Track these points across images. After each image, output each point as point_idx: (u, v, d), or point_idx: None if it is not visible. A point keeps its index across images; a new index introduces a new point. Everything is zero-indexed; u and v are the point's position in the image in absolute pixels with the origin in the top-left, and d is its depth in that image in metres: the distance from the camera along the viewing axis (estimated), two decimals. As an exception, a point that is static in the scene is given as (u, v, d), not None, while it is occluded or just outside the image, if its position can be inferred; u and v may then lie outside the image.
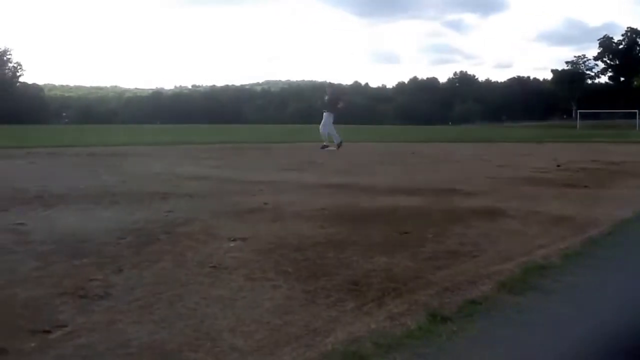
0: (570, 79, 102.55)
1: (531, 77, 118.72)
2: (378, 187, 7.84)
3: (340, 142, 16.93)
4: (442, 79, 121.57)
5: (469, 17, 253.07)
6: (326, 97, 17.71)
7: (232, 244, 4.22)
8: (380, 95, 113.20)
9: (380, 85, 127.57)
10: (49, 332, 2.48)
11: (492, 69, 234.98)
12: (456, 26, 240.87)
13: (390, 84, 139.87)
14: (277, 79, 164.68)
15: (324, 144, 16.96)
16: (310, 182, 8.49)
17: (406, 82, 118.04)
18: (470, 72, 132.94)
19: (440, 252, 4.08)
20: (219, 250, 4.04)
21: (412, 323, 2.66)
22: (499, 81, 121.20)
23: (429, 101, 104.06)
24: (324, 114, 17.28)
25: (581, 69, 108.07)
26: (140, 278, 3.33)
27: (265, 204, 6.15)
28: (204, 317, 2.68)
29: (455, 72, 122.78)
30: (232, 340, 2.42)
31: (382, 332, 2.54)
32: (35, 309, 2.78)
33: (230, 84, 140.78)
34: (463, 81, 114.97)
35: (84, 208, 5.84)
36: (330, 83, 20.91)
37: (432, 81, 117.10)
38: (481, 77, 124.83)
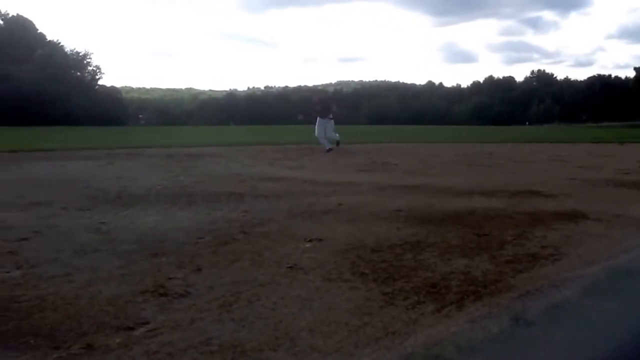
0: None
1: (613, 76, 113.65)
2: (454, 189, 7.67)
3: (334, 146, 16.78)
4: (519, 78, 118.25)
5: (547, 14, 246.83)
6: (318, 108, 17.23)
7: (308, 245, 4.23)
8: (455, 95, 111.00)
9: (455, 84, 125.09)
10: (132, 328, 2.54)
11: (572, 68, 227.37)
12: (534, 24, 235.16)
13: (465, 83, 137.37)
14: (350, 80, 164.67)
15: (336, 145, 16.87)
16: (385, 183, 8.41)
17: (482, 81, 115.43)
18: (548, 70, 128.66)
19: (520, 255, 3.95)
20: (295, 250, 4.05)
21: (494, 327, 2.57)
22: (579, 80, 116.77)
23: (506, 101, 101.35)
24: (323, 120, 16.94)
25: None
26: (219, 277, 3.37)
27: (340, 205, 6.13)
28: (282, 317, 2.68)
29: (533, 70, 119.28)
30: (311, 341, 2.40)
31: (464, 336, 2.47)
32: (119, 306, 2.85)
33: (302, 84, 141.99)
34: (541, 80, 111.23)
35: (162, 208, 5.99)
36: (315, 96, 20.60)
37: (509, 80, 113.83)
38: (560, 76, 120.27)
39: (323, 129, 16.83)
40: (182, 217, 5.49)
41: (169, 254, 3.95)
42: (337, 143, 17.08)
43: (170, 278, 3.35)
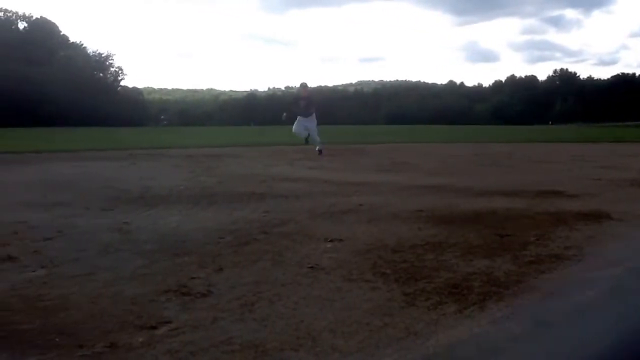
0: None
1: (637, 74, 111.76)
2: (476, 189, 7.62)
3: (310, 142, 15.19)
4: (542, 77, 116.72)
5: (570, 13, 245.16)
6: (303, 103, 15.02)
7: (329, 245, 4.23)
8: (476, 95, 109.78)
9: (476, 84, 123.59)
10: (155, 327, 2.57)
11: (595, 66, 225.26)
12: (556, 22, 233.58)
13: (487, 82, 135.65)
14: (370, 79, 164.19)
15: (319, 147, 14.88)
16: (405, 183, 8.38)
17: (503, 80, 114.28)
18: (571, 69, 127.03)
19: (543, 256, 3.91)
20: (316, 250, 4.06)
21: (516, 328, 2.55)
22: (602, 78, 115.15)
23: (528, 100, 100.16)
24: (303, 119, 14.96)
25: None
26: (241, 277, 3.39)
27: (361, 205, 6.13)
28: (303, 317, 2.68)
29: (555, 69, 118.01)
30: (333, 341, 2.40)
31: (485, 337, 2.45)
32: (142, 305, 2.88)
33: (323, 84, 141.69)
34: (564, 79, 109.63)
35: (184, 208, 6.03)
36: (304, 84, 16.04)
37: (531, 79, 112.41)
38: (583, 75, 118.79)
39: (303, 128, 15.03)
40: (204, 217, 5.53)
41: (190, 253, 3.97)
42: (306, 141, 15.29)
43: (192, 278, 3.37)
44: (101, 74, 76.06)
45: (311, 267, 3.58)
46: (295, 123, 15.07)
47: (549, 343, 2.38)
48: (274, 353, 2.30)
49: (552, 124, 75.50)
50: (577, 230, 4.82)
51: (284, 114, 15.74)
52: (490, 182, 8.64)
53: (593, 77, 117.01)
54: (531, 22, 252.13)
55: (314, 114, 15.14)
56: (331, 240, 4.34)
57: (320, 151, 14.76)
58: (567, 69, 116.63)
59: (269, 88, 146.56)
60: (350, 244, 4.23)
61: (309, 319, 2.66)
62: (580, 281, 3.29)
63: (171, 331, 2.53)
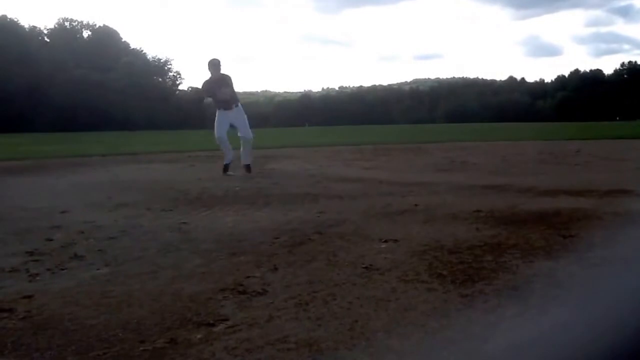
0: None
1: None
2: (538, 188, 7.39)
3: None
4: (608, 70, 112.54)
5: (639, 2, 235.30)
6: (219, 90, 9.85)
7: (383, 245, 4.20)
8: (538, 91, 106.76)
9: (538, 79, 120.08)
10: (213, 325, 2.61)
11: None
12: (624, 12, 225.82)
13: (550, 78, 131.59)
14: (427, 77, 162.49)
15: (249, 162, 10.18)
16: (464, 183, 8.23)
17: (567, 75, 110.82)
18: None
19: (609, 258, 3.75)
20: (370, 251, 4.03)
21: (578, 333, 2.46)
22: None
23: (593, 95, 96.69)
24: (227, 112, 10.03)
25: None
26: (295, 276, 3.41)
27: (417, 205, 6.05)
28: (358, 317, 2.67)
29: (623, 62, 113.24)
30: (388, 341, 2.38)
31: (546, 341, 2.37)
32: (200, 303, 2.94)
33: (377, 84, 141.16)
34: (633, 73, 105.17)
35: (240, 209, 6.12)
36: (215, 61, 10.04)
37: (597, 73, 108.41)
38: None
39: (227, 127, 10.15)
40: (259, 217, 5.59)
41: (246, 253, 4.03)
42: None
43: (248, 276, 3.41)
44: (160, 79, 78.12)
45: (366, 268, 3.56)
46: (216, 123, 10.07)
47: (613, 350, 2.29)
48: (328, 352, 2.29)
49: (619, 119, 72.71)
50: (646, 231, 4.63)
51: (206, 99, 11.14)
52: (554, 181, 8.38)
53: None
54: (597, 13, 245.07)
55: (240, 105, 10.32)
56: (386, 241, 4.31)
57: (248, 167, 10.16)
58: (636, 62, 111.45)
59: (322, 88, 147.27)
60: (406, 245, 4.18)
61: (364, 319, 2.64)
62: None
63: (228, 328, 2.56)
